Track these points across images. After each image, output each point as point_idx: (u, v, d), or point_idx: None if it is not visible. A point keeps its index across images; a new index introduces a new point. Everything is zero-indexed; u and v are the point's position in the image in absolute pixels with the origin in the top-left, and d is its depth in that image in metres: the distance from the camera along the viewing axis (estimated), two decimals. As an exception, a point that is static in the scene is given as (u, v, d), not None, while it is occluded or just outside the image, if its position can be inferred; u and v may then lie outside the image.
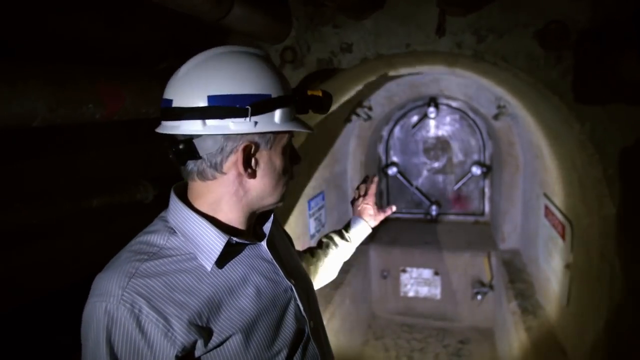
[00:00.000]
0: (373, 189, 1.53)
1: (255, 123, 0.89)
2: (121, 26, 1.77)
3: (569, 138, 2.18)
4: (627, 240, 1.94)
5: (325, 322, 1.37)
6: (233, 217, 0.98)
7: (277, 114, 0.92)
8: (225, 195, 0.95)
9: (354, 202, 1.57)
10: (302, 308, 1.05)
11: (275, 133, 0.94)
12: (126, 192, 1.91)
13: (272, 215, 1.09)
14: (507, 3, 1.99)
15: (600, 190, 1.99)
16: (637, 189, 1.90)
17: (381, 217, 1.54)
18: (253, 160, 0.93)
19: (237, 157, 0.91)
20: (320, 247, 1.49)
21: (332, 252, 1.48)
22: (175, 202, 0.97)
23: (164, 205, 1.07)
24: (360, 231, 1.52)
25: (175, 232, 0.93)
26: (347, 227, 1.53)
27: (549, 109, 2.24)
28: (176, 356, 0.83)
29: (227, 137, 0.90)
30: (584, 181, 2.20)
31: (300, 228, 3.30)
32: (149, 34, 1.95)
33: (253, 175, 0.94)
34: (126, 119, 1.67)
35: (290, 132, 0.98)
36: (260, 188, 0.97)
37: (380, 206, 1.54)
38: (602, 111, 1.91)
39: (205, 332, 0.87)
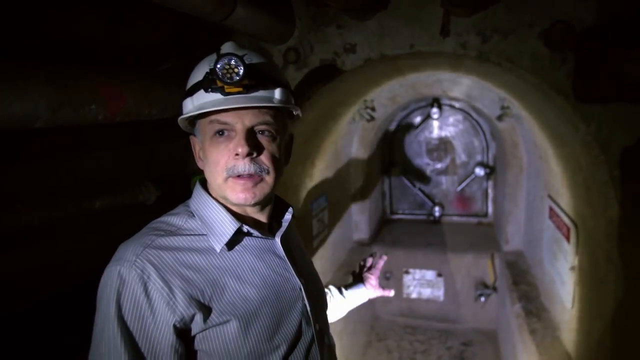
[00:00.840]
0: (381, 264, 1.59)
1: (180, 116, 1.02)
2: (123, 27, 1.77)
3: (573, 139, 2.16)
4: (634, 242, 1.92)
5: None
6: (230, 206, 1.02)
7: (189, 102, 0.99)
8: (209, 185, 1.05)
9: (358, 270, 1.62)
10: (309, 309, 1.07)
11: (195, 124, 1.03)
12: (128, 193, 1.91)
13: (291, 216, 1.13)
14: (512, 3, 1.98)
15: (606, 191, 1.98)
16: (632, 188, 1.88)
17: (379, 292, 1.58)
18: (197, 150, 1.04)
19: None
20: None
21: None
22: (198, 190, 1.05)
23: (167, 206, 1.10)
24: (357, 294, 1.55)
25: (194, 216, 1.01)
26: (347, 286, 1.58)
27: (553, 110, 2.23)
28: (174, 325, 0.89)
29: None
30: (589, 182, 2.19)
31: (303, 229, 3.29)
32: (151, 35, 1.94)
33: (203, 165, 1.03)
34: (128, 120, 1.66)
35: (214, 119, 0.96)
36: (208, 178, 1.02)
37: (381, 283, 1.59)
38: (608, 112, 1.89)
39: (206, 309, 0.91)
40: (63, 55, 1.59)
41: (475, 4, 1.93)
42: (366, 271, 1.59)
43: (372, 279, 1.56)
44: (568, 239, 2.63)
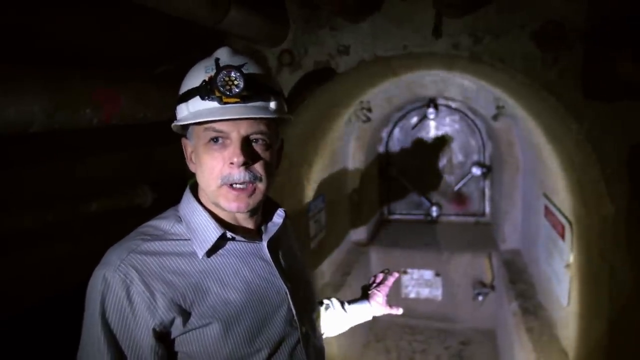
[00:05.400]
0: (391, 281, 1.51)
1: (175, 120, 1.02)
2: (118, 30, 1.78)
3: (567, 138, 2.18)
4: (626, 239, 1.93)
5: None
6: (218, 211, 1.03)
7: (184, 108, 0.99)
8: (201, 189, 1.05)
9: (366, 287, 1.55)
10: (294, 312, 1.06)
11: (189, 126, 1.01)
12: (125, 196, 1.92)
13: (282, 220, 1.13)
14: (504, 4, 2.00)
15: (599, 190, 1.99)
16: (635, 188, 1.90)
17: (386, 310, 1.50)
18: (189, 152, 1.04)
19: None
20: (319, 306, 1.44)
21: (326, 314, 1.45)
22: (187, 195, 1.07)
23: (163, 209, 1.11)
24: (360, 310, 1.49)
25: (181, 220, 1.02)
26: (350, 301, 1.51)
27: (546, 109, 2.24)
28: (154, 329, 0.91)
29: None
30: (583, 181, 2.20)
31: (300, 230, 3.30)
32: (146, 39, 1.96)
33: (194, 168, 1.03)
34: (123, 123, 1.67)
35: (210, 127, 0.95)
36: (201, 182, 1.02)
37: (388, 301, 1.50)
38: (599, 111, 1.91)
39: (186, 314, 0.93)
40: (58, 58, 1.60)
41: (467, 5, 1.95)
42: (374, 287, 1.51)
43: (379, 296, 1.48)
44: (563, 237, 2.65)
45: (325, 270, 3.85)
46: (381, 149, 5.39)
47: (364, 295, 1.53)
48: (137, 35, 1.91)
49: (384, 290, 1.50)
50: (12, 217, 1.47)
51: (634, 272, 1.92)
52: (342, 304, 1.49)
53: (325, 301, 1.49)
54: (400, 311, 1.51)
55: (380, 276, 1.55)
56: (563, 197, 2.65)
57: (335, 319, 1.47)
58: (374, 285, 1.53)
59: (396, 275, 1.54)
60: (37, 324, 1.68)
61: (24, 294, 1.65)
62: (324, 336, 1.45)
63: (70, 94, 1.40)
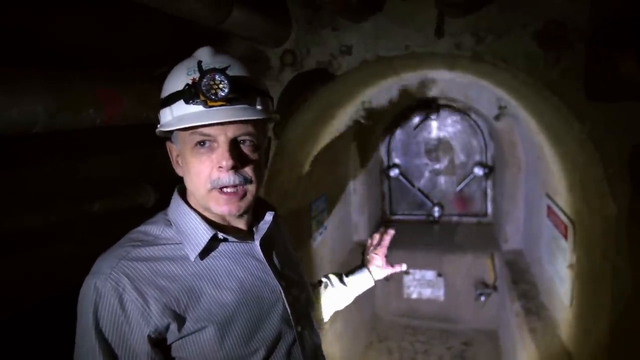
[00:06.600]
0: (387, 240, 1.48)
1: (159, 125, 0.99)
2: (119, 31, 1.78)
3: (569, 138, 2.17)
4: (629, 239, 1.93)
5: (327, 325, 1.36)
6: (208, 213, 1.02)
7: (167, 113, 0.96)
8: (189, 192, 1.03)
9: (364, 251, 1.52)
10: (289, 311, 1.06)
11: (173, 130, 0.98)
12: (127, 196, 1.92)
13: (272, 217, 1.11)
14: (506, 3, 1.99)
15: (602, 189, 1.99)
16: (638, 188, 1.90)
17: (388, 271, 1.47)
18: (175, 156, 1.04)
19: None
20: (318, 286, 1.45)
21: (327, 293, 1.44)
22: (175, 198, 1.05)
23: (165, 208, 1.09)
24: (361, 280, 1.46)
25: (171, 224, 1.01)
26: (348, 272, 1.49)
27: (549, 109, 2.24)
28: (149, 336, 0.89)
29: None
30: (585, 181, 2.20)
31: (302, 230, 3.30)
32: (148, 39, 1.96)
33: (182, 172, 1.01)
34: (126, 123, 1.68)
35: (196, 131, 0.93)
36: (189, 186, 1.01)
37: (388, 259, 1.47)
38: (602, 110, 1.91)
39: (180, 318, 0.92)
40: (60, 59, 1.60)
41: (469, 5, 1.95)
42: (372, 251, 1.47)
43: (377, 259, 1.45)
44: (566, 237, 2.64)
45: (327, 270, 3.85)
46: (383, 149, 5.39)
47: (363, 262, 1.49)
48: (139, 36, 1.91)
49: (381, 251, 1.47)
50: (14, 217, 1.47)
51: (636, 272, 1.91)
52: (341, 277, 1.46)
53: (324, 279, 1.47)
54: (404, 267, 1.48)
55: (377, 237, 1.50)
56: (565, 197, 2.64)
57: (337, 295, 1.45)
58: (371, 248, 1.49)
59: (391, 232, 1.48)
60: (37, 324, 1.69)
61: (25, 294, 1.66)
62: (331, 312, 1.46)
63: (73, 94, 1.41)
